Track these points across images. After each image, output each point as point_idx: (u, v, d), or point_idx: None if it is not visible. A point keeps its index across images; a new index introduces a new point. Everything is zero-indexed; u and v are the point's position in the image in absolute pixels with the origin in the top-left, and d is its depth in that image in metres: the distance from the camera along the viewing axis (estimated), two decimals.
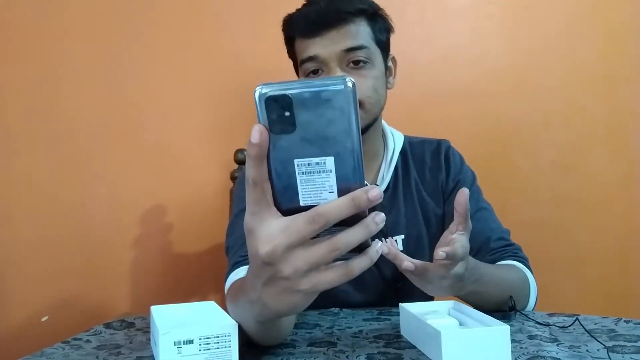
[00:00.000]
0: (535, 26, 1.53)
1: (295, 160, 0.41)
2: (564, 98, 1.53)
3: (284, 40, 1.00)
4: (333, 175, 0.41)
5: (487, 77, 1.52)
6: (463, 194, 0.66)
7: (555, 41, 1.53)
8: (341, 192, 0.41)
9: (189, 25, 1.44)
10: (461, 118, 1.51)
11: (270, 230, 0.43)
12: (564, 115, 1.54)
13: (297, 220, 0.41)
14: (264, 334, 0.63)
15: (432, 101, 1.50)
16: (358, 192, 0.41)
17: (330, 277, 0.43)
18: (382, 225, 0.42)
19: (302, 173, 0.42)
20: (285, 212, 0.43)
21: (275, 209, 0.43)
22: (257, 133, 0.41)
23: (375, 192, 0.41)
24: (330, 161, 0.41)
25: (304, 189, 0.42)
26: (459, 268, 0.66)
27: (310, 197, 0.42)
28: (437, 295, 0.73)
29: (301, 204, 0.42)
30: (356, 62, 0.92)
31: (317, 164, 0.41)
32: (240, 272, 0.84)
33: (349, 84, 0.39)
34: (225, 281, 0.88)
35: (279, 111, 0.40)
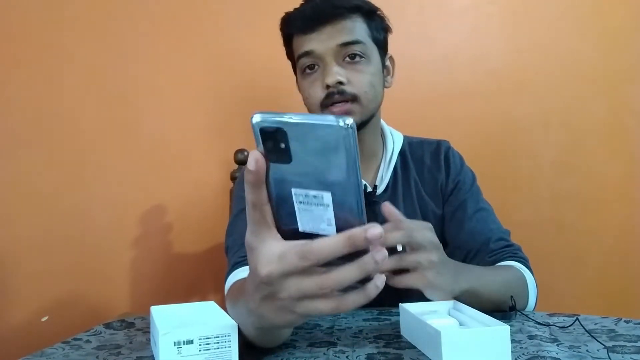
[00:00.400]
0: (535, 26, 1.53)
1: (293, 190, 0.41)
2: (564, 97, 1.53)
3: (282, 42, 1.01)
4: (330, 209, 0.41)
5: (486, 77, 1.52)
6: (385, 206, 0.69)
7: (555, 41, 1.53)
8: (340, 227, 0.41)
9: (188, 25, 1.44)
10: (461, 118, 1.51)
11: (269, 253, 0.43)
12: (564, 114, 1.54)
13: (292, 252, 0.41)
14: (262, 338, 0.63)
15: (431, 101, 1.50)
16: (355, 231, 0.39)
17: (323, 307, 0.43)
18: (382, 263, 0.41)
19: (300, 202, 0.42)
20: (286, 233, 0.43)
21: (275, 231, 0.44)
22: (253, 160, 0.41)
23: (375, 231, 0.39)
24: (327, 196, 0.40)
25: (302, 216, 0.42)
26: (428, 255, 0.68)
27: (309, 225, 0.42)
28: (437, 299, 0.73)
29: (300, 230, 0.43)
30: (352, 57, 0.92)
31: (315, 197, 0.41)
32: (240, 273, 0.84)
33: (347, 124, 0.38)
34: (225, 281, 0.88)
35: (274, 142, 0.40)
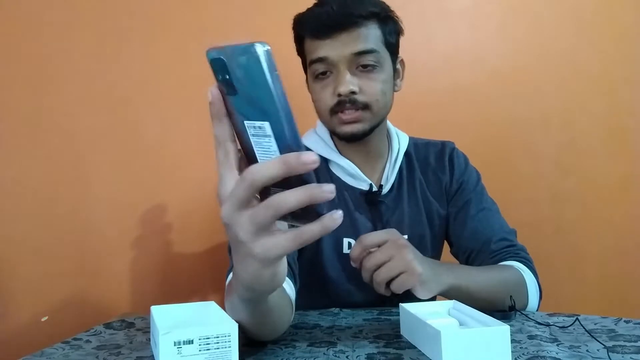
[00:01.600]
0: (535, 26, 1.53)
1: (245, 122, 0.42)
2: (564, 98, 1.53)
3: (293, 39, 1.00)
4: (273, 139, 0.41)
5: (486, 77, 1.52)
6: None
7: (555, 41, 1.53)
8: (283, 150, 0.41)
9: (189, 24, 1.43)
10: (460, 118, 1.51)
11: (225, 192, 0.43)
12: (564, 115, 1.54)
13: (236, 183, 0.42)
14: (258, 325, 0.63)
15: (431, 101, 1.50)
16: (290, 154, 0.40)
17: (280, 241, 0.43)
18: (330, 195, 0.41)
19: (252, 135, 0.42)
20: (249, 160, 0.44)
21: (235, 171, 0.44)
22: (210, 93, 0.43)
23: (309, 156, 0.40)
24: (267, 126, 0.41)
25: (257, 151, 0.43)
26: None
27: (264, 158, 0.42)
28: (425, 294, 0.76)
29: (258, 159, 0.43)
30: (365, 66, 0.92)
31: (260, 127, 0.41)
32: None
33: (261, 46, 0.39)
34: (226, 278, 0.88)
35: (221, 73, 0.42)
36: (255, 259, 0.44)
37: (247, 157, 0.44)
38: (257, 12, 1.44)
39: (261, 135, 0.41)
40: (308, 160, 0.40)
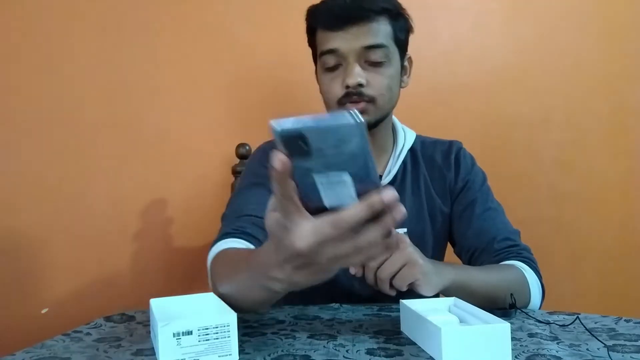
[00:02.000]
0: (536, 23, 1.53)
1: (314, 175, 0.46)
2: (565, 95, 1.53)
3: (306, 30, 1.01)
4: (350, 184, 0.46)
5: (487, 74, 1.52)
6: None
7: (557, 38, 1.53)
8: (360, 196, 0.47)
9: (191, 19, 1.43)
10: (461, 114, 1.51)
11: (302, 229, 0.48)
12: (565, 112, 1.53)
13: (324, 224, 0.47)
14: (254, 300, 0.66)
15: (432, 97, 1.50)
16: (373, 197, 0.46)
17: (355, 261, 0.50)
18: (400, 218, 0.48)
19: (322, 184, 0.47)
20: (314, 211, 0.48)
21: (304, 211, 0.48)
22: (279, 162, 0.45)
23: (389, 193, 0.46)
24: (345, 174, 0.45)
25: (326, 195, 0.47)
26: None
27: (334, 200, 0.47)
28: (427, 290, 0.75)
29: (327, 206, 0.48)
30: (374, 61, 0.94)
31: (335, 177, 0.46)
32: (229, 243, 0.87)
33: (358, 120, 0.42)
34: (212, 246, 0.90)
35: (295, 144, 0.44)
36: (329, 272, 0.53)
37: (303, 201, 0.48)
38: (260, 6, 1.43)
39: (335, 183, 0.46)
40: (389, 199, 0.47)
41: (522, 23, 1.53)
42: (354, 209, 0.46)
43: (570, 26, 1.53)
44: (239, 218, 0.92)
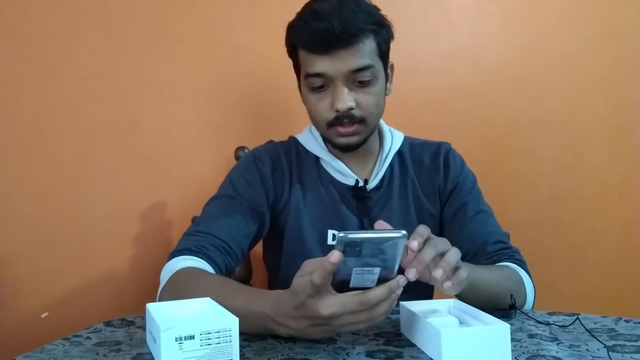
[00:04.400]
0: (535, 25, 1.53)
1: (354, 268, 0.61)
2: (565, 97, 1.53)
3: (285, 42, 0.99)
4: (377, 275, 0.62)
5: (487, 76, 1.52)
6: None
7: (556, 40, 1.53)
8: (379, 281, 0.63)
9: (190, 21, 1.43)
10: (461, 117, 1.51)
11: (329, 301, 0.61)
12: (564, 114, 1.53)
13: (353, 300, 0.61)
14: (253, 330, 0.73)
15: (432, 100, 1.50)
16: (393, 283, 0.62)
17: (361, 325, 0.63)
18: (402, 284, 0.63)
19: (356, 273, 0.62)
20: (337, 283, 0.63)
21: (331, 288, 0.62)
22: (335, 260, 0.58)
23: (402, 280, 0.62)
24: (377, 269, 0.62)
25: (354, 279, 0.63)
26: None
27: (359, 283, 0.63)
28: (457, 292, 0.71)
29: (350, 286, 0.63)
30: (362, 82, 0.92)
31: (369, 270, 0.62)
32: (189, 261, 0.87)
33: (403, 234, 0.60)
34: (172, 256, 0.90)
35: (353, 248, 0.59)
36: (337, 332, 0.70)
37: (334, 280, 0.62)
38: (258, 9, 1.44)
39: (367, 273, 0.62)
40: (404, 283, 0.63)
41: (521, 25, 1.53)
42: (379, 292, 0.60)
43: (569, 28, 1.53)
44: (204, 236, 0.93)
